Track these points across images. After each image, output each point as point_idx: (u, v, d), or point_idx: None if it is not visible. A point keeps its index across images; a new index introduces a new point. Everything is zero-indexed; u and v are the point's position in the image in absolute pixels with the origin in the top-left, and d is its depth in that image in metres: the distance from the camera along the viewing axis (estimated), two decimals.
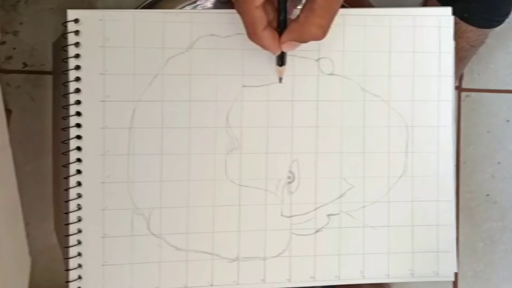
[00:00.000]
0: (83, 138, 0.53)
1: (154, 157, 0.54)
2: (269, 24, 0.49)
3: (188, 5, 0.57)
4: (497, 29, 0.64)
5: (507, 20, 0.64)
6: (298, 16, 0.49)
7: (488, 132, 0.64)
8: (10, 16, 0.60)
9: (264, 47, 0.50)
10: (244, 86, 0.55)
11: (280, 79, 0.55)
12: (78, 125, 0.53)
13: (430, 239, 0.57)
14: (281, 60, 0.52)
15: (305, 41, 0.50)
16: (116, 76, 0.53)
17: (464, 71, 0.64)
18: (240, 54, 0.55)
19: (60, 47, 0.54)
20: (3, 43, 0.60)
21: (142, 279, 0.54)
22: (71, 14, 0.53)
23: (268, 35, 0.49)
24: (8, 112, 0.58)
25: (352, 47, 0.56)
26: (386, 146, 0.56)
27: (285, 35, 0.50)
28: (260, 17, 0.48)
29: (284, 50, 0.51)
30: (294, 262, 0.56)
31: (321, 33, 0.49)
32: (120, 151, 0.54)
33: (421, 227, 0.57)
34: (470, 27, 0.65)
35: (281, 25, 0.50)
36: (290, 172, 0.56)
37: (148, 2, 0.57)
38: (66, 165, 0.53)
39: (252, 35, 0.49)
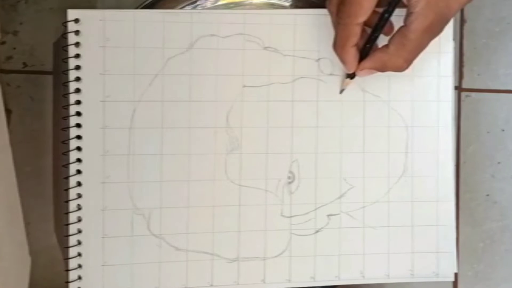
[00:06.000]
0: (83, 138, 0.53)
1: (154, 157, 0.54)
2: (357, 44, 0.51)
3: (188, 5, 0.57)
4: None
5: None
6: (386, 47, 0.50)
7: (488, 132, 0.64)
8: (10, 16, 0.59)
9: (344, 62, 0.52)
10: (244, 86, 0.55)
11: (342, 91, 0.55)
12: (78, 125, 0.53)
13: (430, 240, 0.57)
14: (352, 74, 0.53)
15: (384, 71, 0.51)
16: (116, 76, 0.54)
17: (464, 71, 0.64)
18: (240, 54, 0.55)
19: (60, 47, 0.54)
20: (3, 43, 0.60)
21: (142, 279, 0.54)
22: (71, 14, 0.53)
23: (353, 53, 0.51)
24: (8, 112, 0.58)
25: None
26: (386, 146, 0.56)
27: (368, 62, 0.51)
28: (356, 34, 0.50)
29: (360, 75, 0.52)
30: (294, 262, 0.56)
31: (406, 66, 0.51)
32: (120, 151, 0.54)
33: (421, 227, 0.57)
34: None
35: (364, 51, 0.51)
36: (290, 172, 0.56)
37: (148, 2, 0.57)
38: (66, 165, 0.53)
39: (341, 47, 0.51)
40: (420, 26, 0.48)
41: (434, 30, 0.49)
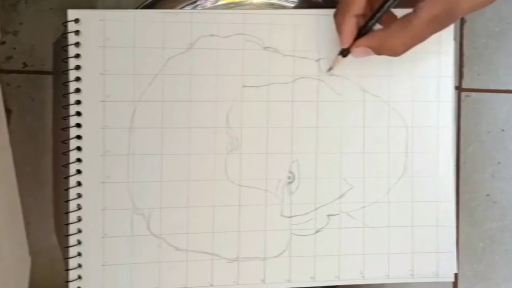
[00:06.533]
0: (83, 138, 0.53)
1: (154, 157, 0.54)
2: (358, 17, 0.50)
3: (188, 5, 0.57)
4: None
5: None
6: (387, 27, 0.49)
7: (488, 132, 0.64)
8: (10, 16, 0.59)
9: (340, 31, 0.51)
10: (244, 86, 0.55)
11: (330, 69, 0.55)
12: (78, 125, 0.53)
13: (430, 240, 0.57)
14: (346, 51, 0.52)
15: (380, 53, 0.50)
16: (116, 76, 0.54)
17: (464, 71, 0.64)
18: (240, 54, 0.55)
19: (60, 47, 0.54)
20: (3, 43, 0.60)
21: (142, 279, 0.54)
22: (71, 14, 0.53)
23: (351, 24, 0.50)
24: (8, 112, 0.58)
25: None
26: (386, 146, 0.56)
27: (365, 39, 0.50)
28: (358, 3, 0.49)
29: (354, 54, 0.51)
30: (294, 262, 0.56)
31: (402, 51, 0.50)
32: (120, 151, 0.54)
33: (421, 227, 0.57)
34: None
35: (364, 28, 0.50)
36: (290, 172, 0.56)
37: (148, 2, 0.57)
38: (66, 165, 0.53)
39: (340, 14, 0.50)
40: (426, 14, 0.48)
41: (439, 22, 0.49)
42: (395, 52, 0.50)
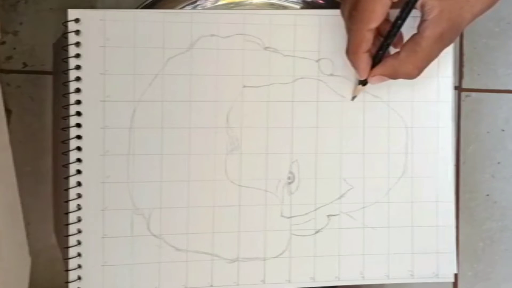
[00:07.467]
0: (83, 138, 0.53)
1: (154, 157, 0.54)
2: (370, 50, 0.51)
3: (188, 5, 0.57)
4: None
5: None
6: (397, 53, 0.50)
7: (488, 132, 0.64)
8: (10, 16, 0.59)
9: (356, 68, 0.52)
10: (244, 86, 0.55)
11: (354, 98, 0.55)
12: (78, 125, 0.53)
13: (430, 240, 0.57)
14: (365, 81, 0.53)
15: (396, 78, 0.51)
16: (116, 76, 0.53)
17: (464, 71, 0.64)
18: (240, 54, 0.55)
19: (60, 47, 0.54)
20: (3, 43, 0.60)
21: (142, 279, 0.54)
22: (72, 13, 0.53)
23: (365, 59, 0.51)
24: (8, 112, 0.58)
25: None
26: (386, 146, 0.56)
27: (380, 68, 0.51)
28: (368, 40, 0.50)
29: (371, 82, 0.52)
30: (294, 262, 0.56)
31: (417, 74, 0.51)
32: (120, 151, 0.54)
33: (421, 228, 0.57)
34: None
35: (377, 57, 0.51)
36: (290, 172, 0.56)
37: (148, 2, 0.57)
38: (66, 165, 0.53)
39: (353, 53, 0.51)
40: (432, 33, 0.48)
41: (445, 39, 0.49)
42: (411, 76, 0.51)
